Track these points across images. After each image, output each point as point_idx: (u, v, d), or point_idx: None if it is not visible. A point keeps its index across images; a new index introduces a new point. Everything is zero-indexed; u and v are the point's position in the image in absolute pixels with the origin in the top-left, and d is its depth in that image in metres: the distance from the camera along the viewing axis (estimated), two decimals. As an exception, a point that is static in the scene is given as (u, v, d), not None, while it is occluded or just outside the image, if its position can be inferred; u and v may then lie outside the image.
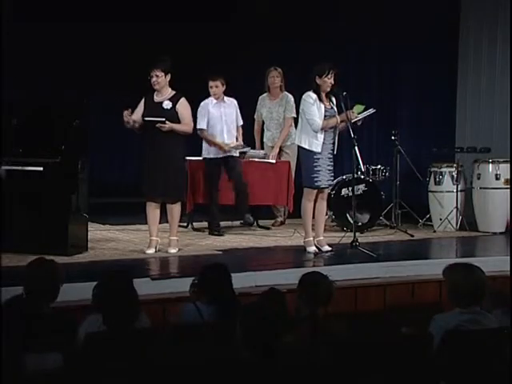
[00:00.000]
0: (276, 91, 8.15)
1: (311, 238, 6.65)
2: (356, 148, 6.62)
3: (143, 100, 6.58)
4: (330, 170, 6.61)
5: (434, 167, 8.25)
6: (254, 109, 8.29)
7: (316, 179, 6.52)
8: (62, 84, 9.11)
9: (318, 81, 6.44)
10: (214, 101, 7.52)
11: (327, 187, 6.75)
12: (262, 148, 8.29)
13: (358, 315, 5.32)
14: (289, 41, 9.43)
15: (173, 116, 6.46)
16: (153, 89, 6.54)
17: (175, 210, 6.58)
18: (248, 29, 9.67)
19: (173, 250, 6.60)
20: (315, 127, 6.42)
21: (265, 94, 8.22)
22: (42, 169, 6.26)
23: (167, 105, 6.50)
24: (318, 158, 6.50)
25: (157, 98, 6.56)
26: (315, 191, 6.59)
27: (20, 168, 6.30)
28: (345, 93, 6.56)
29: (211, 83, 7.49)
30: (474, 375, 3.17)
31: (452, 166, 8.17)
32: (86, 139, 6.54)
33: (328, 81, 6.44)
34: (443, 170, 8.18)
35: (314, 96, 6.44)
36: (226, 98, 7.58)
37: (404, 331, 3.69)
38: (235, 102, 7.63)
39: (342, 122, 6.53)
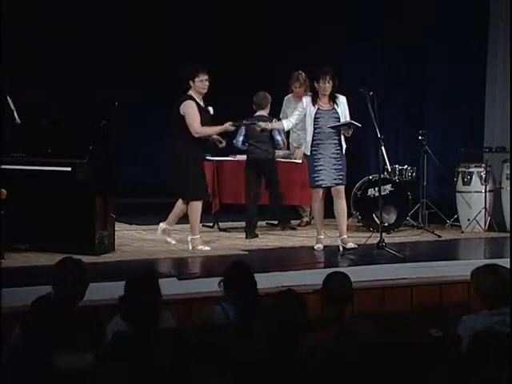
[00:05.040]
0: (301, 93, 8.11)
1: (321, 236, 6.86)
2: (382, 148, 6.65)
3: (195, 105, 6.55)
4: (336, 169, 6.67)
5: (462, 167, 8.17)
6: (279, 109, 8.27)
7: (316, 178, 6.66)
8: (89, 84, 9.16)
9: (316, 85, 6.65)
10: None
11: (334, 186, 6.71)
12: (289, 148, 8.28)
13: (384, 316, 5.28)
14: (315, 41, 9.39)
15: None
16: (184, 91, 6.56)
17: None
18: (275, 28, 9.65)
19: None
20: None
21: (290, 95, 8.19)
22: (70, 169, 6.31)
23: (210, 110, 6.71)
24: (319, 158, 6.63)
25: (200, 103, 6.65)
26: (320, 191, 6.72)
27: (48, 168, 6.36)
28: (371, 93, 6.61)
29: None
30: (503, 378, 3.13)
31: (480, 166, 8.08)
32: (113, 140, 6.58)
33: (322, 85, 6.58)
34: (471, 170, 8.10)
35: (306, 99, 6.69)
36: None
37: (434, 333, 3.66)
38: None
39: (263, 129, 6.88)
